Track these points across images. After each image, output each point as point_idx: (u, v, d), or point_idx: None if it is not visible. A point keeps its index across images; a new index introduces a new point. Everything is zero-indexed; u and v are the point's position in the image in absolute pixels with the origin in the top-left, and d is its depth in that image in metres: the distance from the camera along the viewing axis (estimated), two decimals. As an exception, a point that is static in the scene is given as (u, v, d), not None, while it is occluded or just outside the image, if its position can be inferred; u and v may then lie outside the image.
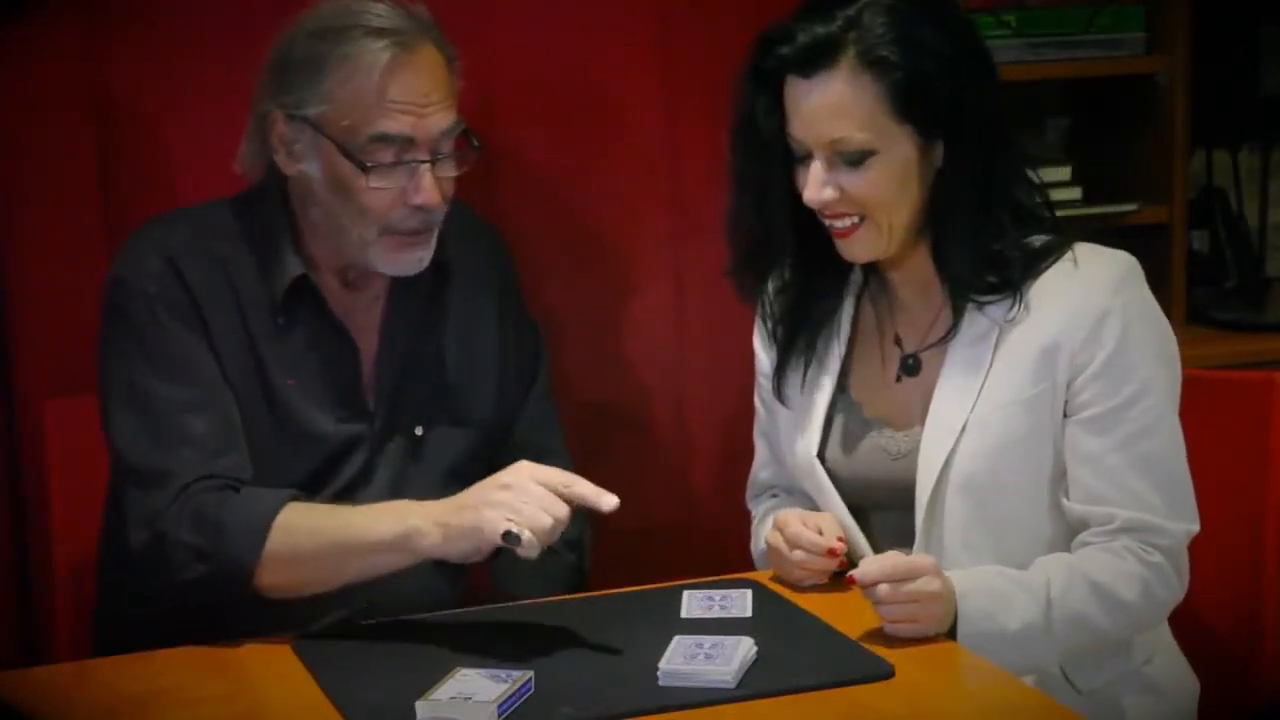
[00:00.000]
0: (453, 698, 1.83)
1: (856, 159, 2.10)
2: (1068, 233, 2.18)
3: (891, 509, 2.19)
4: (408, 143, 2.19)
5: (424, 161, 2.19)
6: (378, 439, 2.31)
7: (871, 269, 2.26)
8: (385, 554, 2.09)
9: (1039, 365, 2.12)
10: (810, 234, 2.19)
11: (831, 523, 2.17)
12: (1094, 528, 2.12)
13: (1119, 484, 2.11)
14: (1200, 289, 3.40)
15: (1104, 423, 2.11)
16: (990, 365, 2.14)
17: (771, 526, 2.20)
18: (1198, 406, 2.18)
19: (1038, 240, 2.16)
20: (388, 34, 2.17)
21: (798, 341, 2.27)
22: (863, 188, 2.10)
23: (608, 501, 2.01)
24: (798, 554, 2.15)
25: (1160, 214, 3.17)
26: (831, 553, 2.13)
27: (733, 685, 1.88)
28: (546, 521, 2.00)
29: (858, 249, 2.16)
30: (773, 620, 2.07)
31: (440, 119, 2.20)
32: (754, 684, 1.89)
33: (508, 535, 1.98)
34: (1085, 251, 2.16)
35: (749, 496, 2.43)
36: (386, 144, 2.18)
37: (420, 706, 1.83)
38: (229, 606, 2.13)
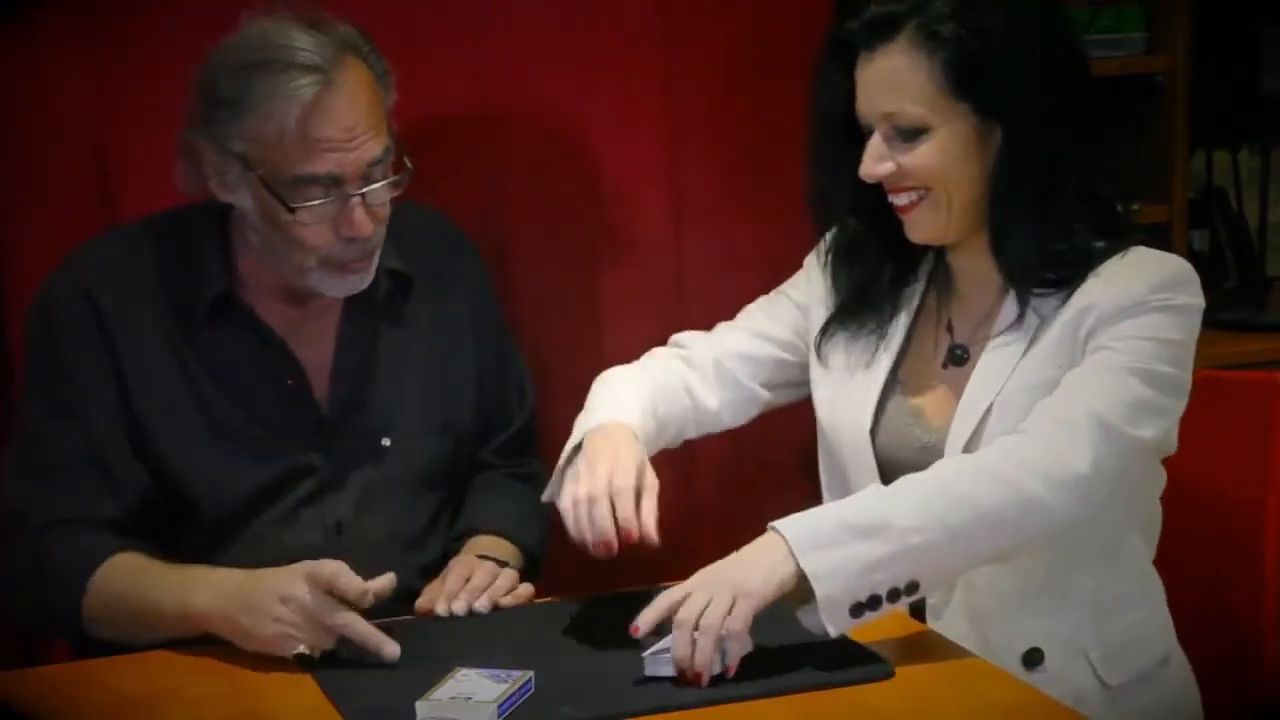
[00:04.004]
0: (453, 698, 1.83)
1: (911, 134, 2.10)
2: (1131, 238, 2.16)
3: None
4: (335, 180, 2.14)
5: (353, 195, 2.15)
6: (339, 450, 2.28)
7: (939, 254, 2.25)
8: (179, 626, 2.10)
9: (1069, 342, 2.09)
10: (887, 214, 2.18)
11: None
12: None
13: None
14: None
15: (1090, 359, 2.07)
16: (1025, 352, 2.12)
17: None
18: (1198, 406, 2.17)
19: (1099, 244, 2.13)
20: (310, 70, 2.12)
21: (857, 310, 2.25)
22: (917, 162, 2.10)
23: (389, 652, 2.00)
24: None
25: (1160, 214, 3.17)
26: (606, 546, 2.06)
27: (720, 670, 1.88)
28: (327, 641, 2.01)
29: (918, 228, 2.16)
30: (772, 620, 2.07)
31: (368, 149, 2.15)
32: (754, 684, 1.89)
33: (299, 657, 2.01)
34: (1140, 253, 2.14)
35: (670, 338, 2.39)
36: (313, 184, 2.14)
37: (420, 706, 1.83)
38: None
